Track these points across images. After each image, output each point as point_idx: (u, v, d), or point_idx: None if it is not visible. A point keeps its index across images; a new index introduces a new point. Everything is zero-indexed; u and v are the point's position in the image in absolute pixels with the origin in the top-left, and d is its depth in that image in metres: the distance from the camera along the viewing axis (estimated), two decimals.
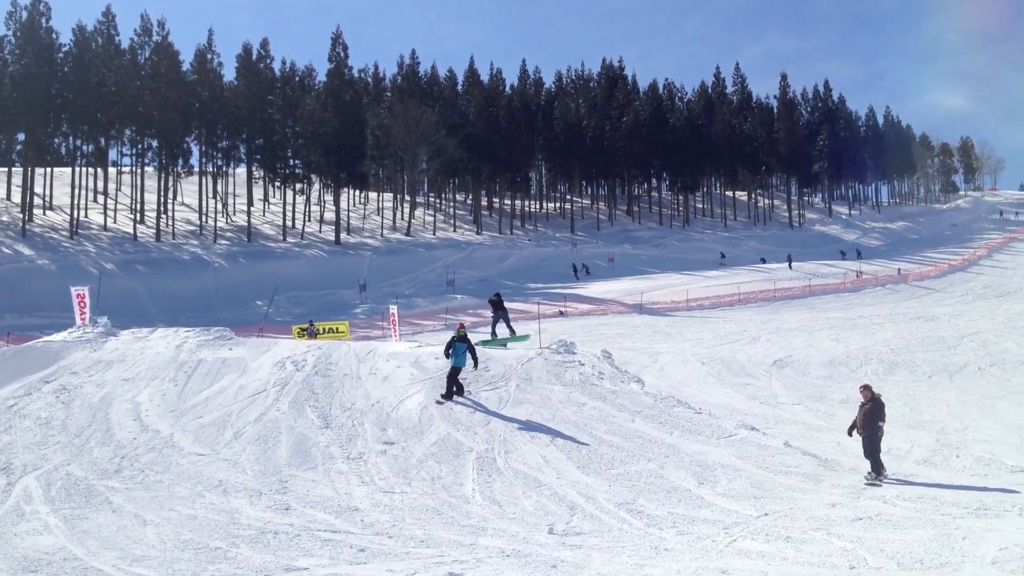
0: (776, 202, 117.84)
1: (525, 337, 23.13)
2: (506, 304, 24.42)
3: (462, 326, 18.46)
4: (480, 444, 15.22)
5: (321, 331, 34.13)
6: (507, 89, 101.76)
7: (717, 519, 11.63)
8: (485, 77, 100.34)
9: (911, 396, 25.81)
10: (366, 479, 13.47)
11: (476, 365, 18.23)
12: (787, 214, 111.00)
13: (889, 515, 11.71)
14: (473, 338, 19.72)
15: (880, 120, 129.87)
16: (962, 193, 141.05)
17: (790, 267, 71.05)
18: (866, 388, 14.81)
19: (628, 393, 19.07)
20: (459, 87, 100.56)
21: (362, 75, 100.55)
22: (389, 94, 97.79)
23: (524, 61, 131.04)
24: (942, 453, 17.03)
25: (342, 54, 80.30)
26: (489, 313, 26.21)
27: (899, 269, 67.63)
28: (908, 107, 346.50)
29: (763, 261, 77.19)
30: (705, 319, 46.64)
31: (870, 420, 14.25)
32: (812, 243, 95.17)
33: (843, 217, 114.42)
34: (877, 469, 14.05)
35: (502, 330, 24.13)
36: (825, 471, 14.91)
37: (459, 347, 17.62)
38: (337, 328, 35.48)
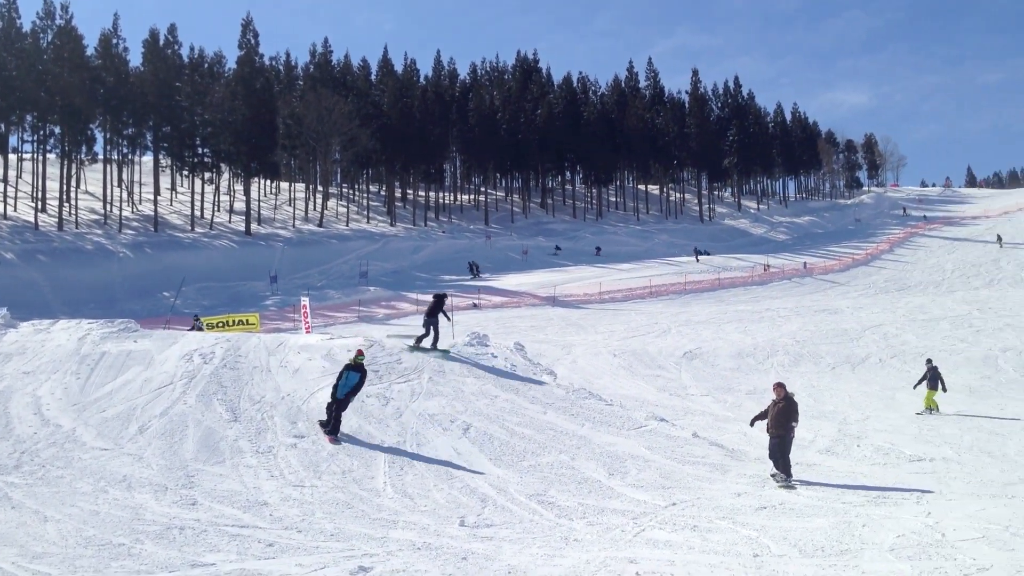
0: (687, 196, 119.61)
1: (447, 352, 20.98)
2: (420, 297, 24.29)
3: (360, 353, 16.23)
4: (392, 437, 15.15)
5: (229, 323, 33.50)
6: (422, 80, 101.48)
7: (626, 509, 11.78)
8: (399, 67, 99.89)
9: (815, 387, 26.46)
10: (275, 473, 13.30)
11: (356, 393, 15.57)
12: (698, 208, 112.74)
13: (792, 504, 12.01)
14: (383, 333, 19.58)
15: (788, 116, 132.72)
16: (866, 189, 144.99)
17: (697, 260, 72.31)
18: (780, 386, 13.93)
19: (540, 385, 19.19)
20: (373, 77, 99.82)
21: (273, 63, 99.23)
22: (301, 83, 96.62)
23: (439, 52, 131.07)
24: (844, 443, 17.48)
25: (253, 41, 79.05)
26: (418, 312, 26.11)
27: (805, 263, 69.20)
28: (812, 104, 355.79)
29: (704, 253, 77.94)
30: (617, 312, 47.13)
31: (782, 420, 13.52)
32: (722, 237, 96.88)
33: (752, 211, 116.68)
34: (787, 470, 13.44)
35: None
36: (732, 461, 15.21)
37: (350, 377, 15.30)
38: (247, 320, 34.83)
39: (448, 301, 21.91)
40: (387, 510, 11.72)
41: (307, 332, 28.74)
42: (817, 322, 39.51)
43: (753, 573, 8.59)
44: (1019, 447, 16.56)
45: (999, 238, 73.54)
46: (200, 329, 30.84)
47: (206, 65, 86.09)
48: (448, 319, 21.37)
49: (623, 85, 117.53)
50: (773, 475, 13.62)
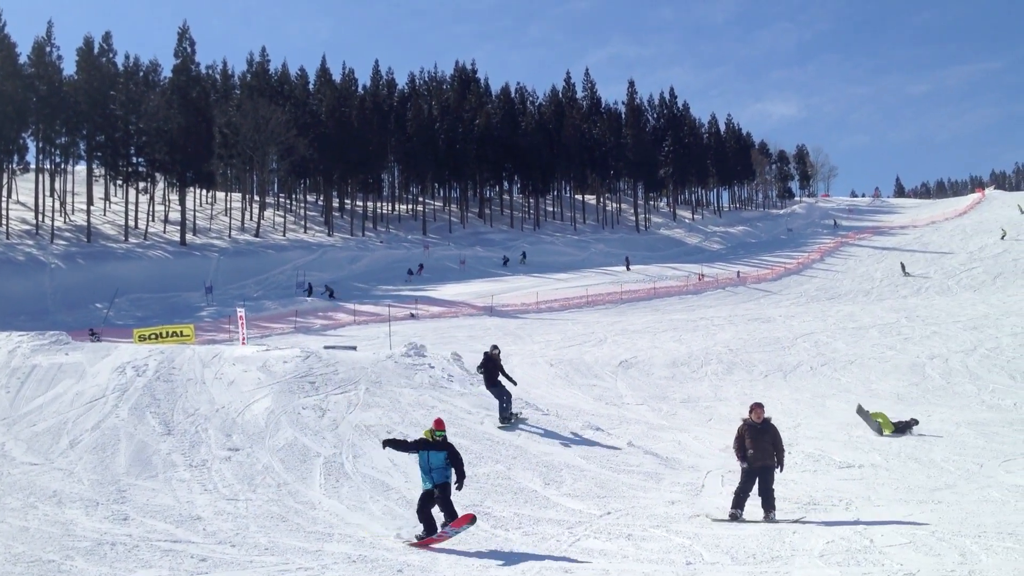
0: (624, 206, 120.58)
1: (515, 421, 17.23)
2: (357, 308, 23.44)
3: (440, 426, 11.38)
4: (328, 449, 15.10)
5: (163, 335, 33.08)
6: (360, 89, 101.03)
7: (562, 519, 11.89)
8: (338, 77, 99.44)
9: (748, 395, 26.76)
10: (209, 487, 13.18)
11: (461, 481, 11.12)
12: (634, 218, 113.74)
13: (725, 511, 12.22)
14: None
15: (722, 127, 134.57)
16: (798, 199, 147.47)
17: (628, 269, 73.01)
18: (759, 407, 12.24)
19: (477, 395, 19.25)
20: (311, 86, 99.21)
21: (210, 72, 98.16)
22: (238, 92, 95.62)
23: (377, 62, 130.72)
24: None
25: (189, 49, 78.15)
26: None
27: (738, 272, 70.17)
28: (743, 115, 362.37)
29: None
30: (554, 321, 47.36)
31: (766, 447, 11.84)
32: (658, 246, 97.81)
33: (687, 221, 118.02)
34: (772, 504, 11.75)
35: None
36: (666, 469, 15.41)
37: (435, 458, 10.95)
38: (181, 332, 34.45)
39: (495, 353, 17.96)
40: (322, 523, 11.69)
41: (243, 343, 28.48)
42: (750, 331, 40.08)
43: None
44: (945, 454, 16.99)
45: (1004, 232, 76.05)
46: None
47: (141, 73, 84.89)
48: (514, 383, 17.72)
49: (560, 95, 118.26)
50: (734, 515, 11.78)
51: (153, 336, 32.90)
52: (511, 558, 9.93)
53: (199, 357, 19.78)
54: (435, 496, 10.87)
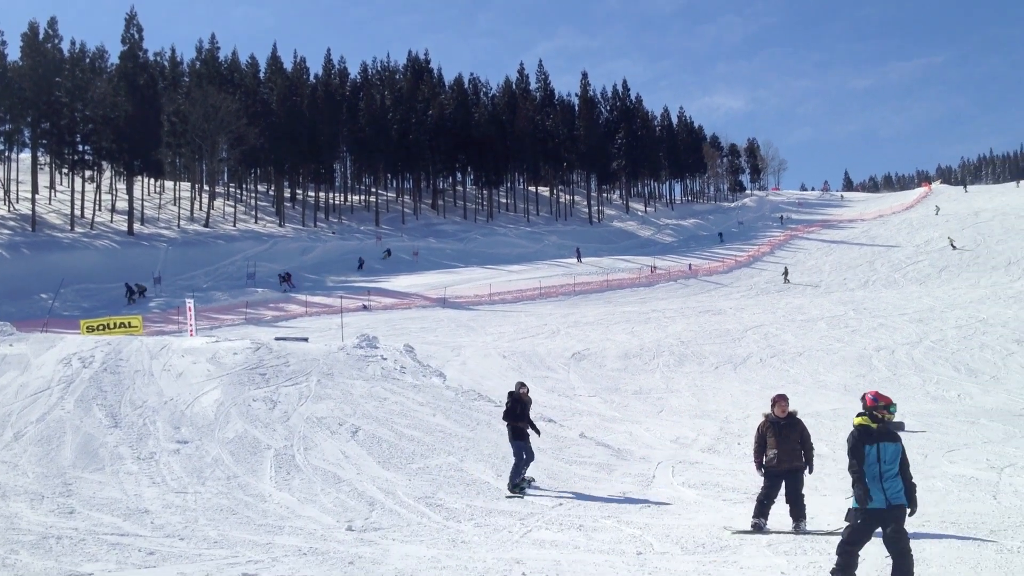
0: (577, 198, 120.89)
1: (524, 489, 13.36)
2: (309, 299, 22.96)
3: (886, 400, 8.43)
4: (279, 441, 14.99)
5: (110, 326, 32.58)
6: (311, 78, 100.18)
7: (514, 510, 11.91)
8: (289, 65, 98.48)
9: (698, 387, 27.10)
10: (157, 480, 13.03)
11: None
12: (587, 210, 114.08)
13: (675, 502, 12.32)
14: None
15: (674, 120, 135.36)
16: (748, 192, 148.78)
17: (579, 261, 73.29)
18: (783, 399, 10.71)
19: (430, 387, 19.24)
20: (262, 75, 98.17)
21: (158, 59, 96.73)
22: (187, 79, 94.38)
23: (329, 50, 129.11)
24: (725, 441, 17.97)
25: (136, 36, 77.02)
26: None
27: (690, 264, 70.64)
28: (691, 107, 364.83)
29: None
30: (507, 313, 47.42)
31: (794, 447, 10.40)
32: (610, 239, 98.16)
33: (639, 214, 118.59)
34: (802, 512, 10.38)
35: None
36: (617, 460, 15.50)
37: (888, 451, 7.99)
38: (129, 323, 33.95)
39: (524, 391, 13.97)
40: (273, 515, 11.60)
41: (192, 335, 28.15)
42: (701, 323, 40.44)
43: (636, 571, 8.78)
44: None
45: (937, 209, 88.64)
46: None
47: (88, 60, 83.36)
48: (538, 433, 13.86)
49: (514, 87, 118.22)
50: (756, 525, 10.40)
51: (100, 327, 32.38)
52: (463, 549, 9.94)
53: (147, 348, 19.55)
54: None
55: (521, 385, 14.03)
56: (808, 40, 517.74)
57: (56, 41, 76.33)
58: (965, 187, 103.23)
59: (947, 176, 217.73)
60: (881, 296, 50.38)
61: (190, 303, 31.43)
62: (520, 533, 10.67)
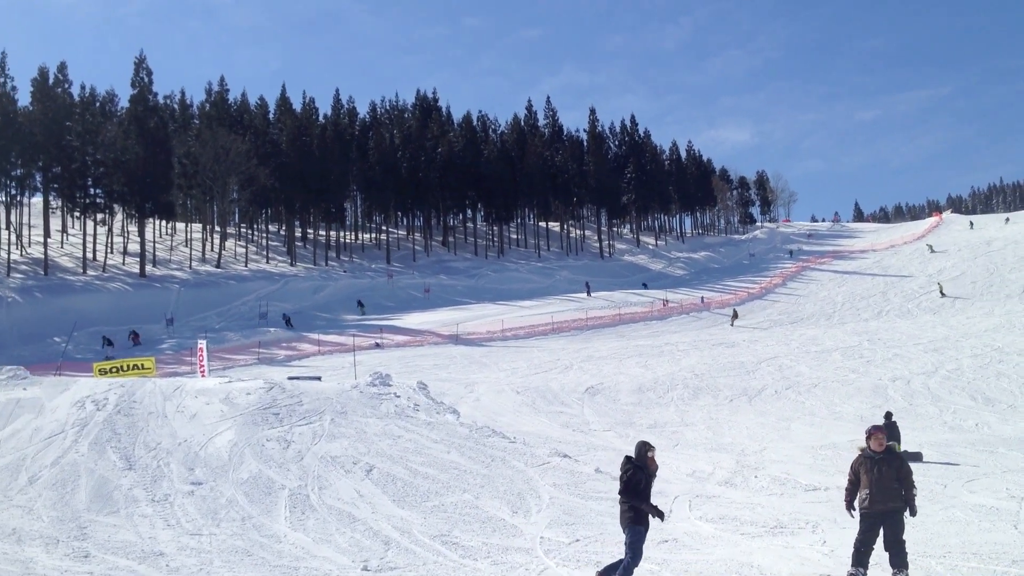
0: (587, 232, 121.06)
1: None
2: (321, 338, 22.71)
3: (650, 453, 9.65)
4: (293, 481, 14.92)
5: (125, 368, 32.62)
6: (320, 118, 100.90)
7: (530, 547, 11.81)
8: (298, 106, 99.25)
9: (714, 420, 26.94)
10: (172, 522, 12.97)
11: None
12: (598, 244, 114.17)
13: (693, 536, 12.20)
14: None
15: (683, 154, 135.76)
16: (759, 224, 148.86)
17: (588, 295, 73.30)
18: (879, 431, 9.44)
19: (444, 424, 19.15)
20: (271, 115, 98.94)
21: (168, 101, 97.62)
22: (197, 121, 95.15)
23: (337, 91, 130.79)
24: (742, 474, 17.82)
25: (146, 79, 77.55)
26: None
27: (702, 297, 70.58)
28: (697, 141, 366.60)
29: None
30: (520, 349, 47.35)
31: (890, 484, 9.06)
32: (621, 273, 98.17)
33: (650, 247, 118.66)
34: (903, 562, 8.93)
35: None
36: None
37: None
38: (142, 364, 33.99)
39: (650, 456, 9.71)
40: (288, 556, 11.52)
41: (203, 375, 28.16)
42: (715, 355, 40.29)
43: None
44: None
45: (930, 247, 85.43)
46: None
47: (98, 104, 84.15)
48: (661, 518, 9.57)
49: (522, 123, 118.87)
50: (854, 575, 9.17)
51: (113, 370, 32.42)
52: None
53: (160, 390, 19.53)
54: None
55: (646, 447, 9.65)
56: (813, 73, 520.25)
57: (66, 86, 77.14)
58: (971, 224, 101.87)
59: (957, 205, 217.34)
60: (895, 326, 50.15)
61: (202, 344, 31.44)
62: (537, 571, 10.57)
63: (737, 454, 20.55)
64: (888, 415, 21.37)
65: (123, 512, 13.34)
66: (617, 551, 11.38)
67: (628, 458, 9.68)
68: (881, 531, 8.98)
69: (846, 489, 9.54)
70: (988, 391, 30.67)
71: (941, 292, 63.12)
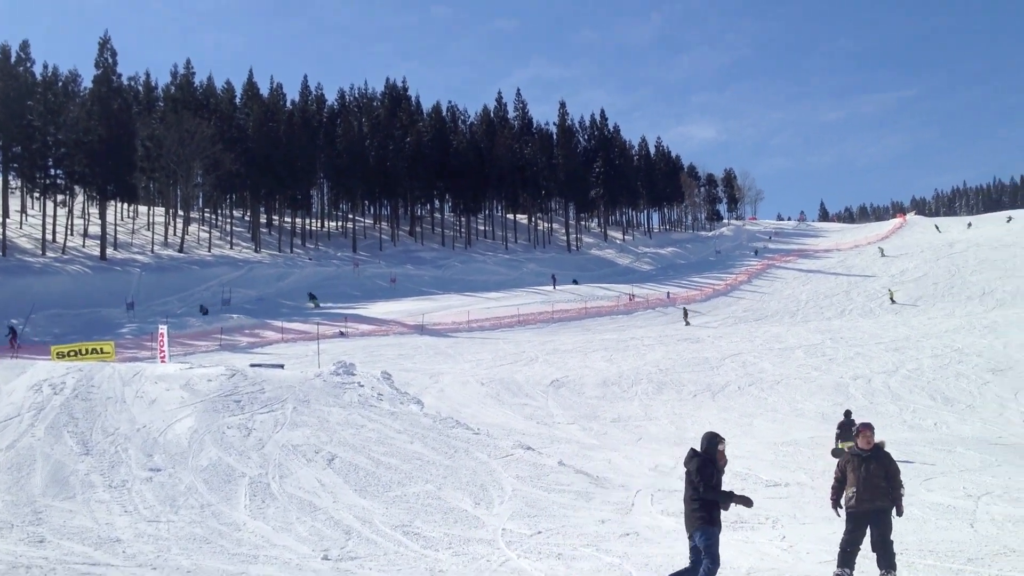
0: (555, 226, 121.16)
1: None
2: (285, 325, 22.52)
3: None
4: (253, 469, 14.77)
5: (82, 352, 32.18)
6: (288, 104, 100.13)
7: (492, 539, 11.75)
8: (265, 91, 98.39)
9: (677, 414, 27.05)
10: (129, 508, 12.78)
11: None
12: (565, 238, 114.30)
13: (654, 530, 12.20)
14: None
15: (652, 149, 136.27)
16: (726, 221, 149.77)
17: (554, 288, 73.38)
18: (868, 429, 9.24)
19: (407, 414, 19.05)
20: (238, 100, 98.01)
21: (132, 83, 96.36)
22: (162, 104, 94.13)
23: (306, 77, 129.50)
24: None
25: (110, 60, 76.46)
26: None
27: (668, 293, 70.80)
28: (665, 137, 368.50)
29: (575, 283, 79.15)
30: (485, 340, 47.28)
31: (879, 483, 8.84)
32: (588, 266, 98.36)
33: (617, 242, 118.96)
34: (891, 563, 8.69)
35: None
36: (596, 488, 15.37)
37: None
38: (101, 349, 33.52)
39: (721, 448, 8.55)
40: (247, 544, 11.39)
41: (163, 361, 27.84)
42: (680, 351, 40.46)
43: None
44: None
45: (881, 251, 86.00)
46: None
47: (61, 84, 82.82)
48: (749, 504, 8.57)
49: (492, 115, 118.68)
50: None
51: (72, 353, 31.97)
52: None
53: (119, 375, 19.28)
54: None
55: (717, 439, 8.50)
56: (781, 72, 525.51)
57: (28, 64, 75.69)
58: (937, 228, 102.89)
59: (921, 207, 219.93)
60: (858, 325, 50.62)
61: (163, 329, 31.07)
62: (498, 562, 10.52)
63: None
64: (847, 413, 21.58)
65: (79, 498, 13.14)
66: (578, 542, 11.36)
67: (694, 451, 8.55)
68: (868, 531, 8.80)
69: (832, 487, 9.32)
70: (947, 391, 31.05)
71: (891, 299, 62.27)
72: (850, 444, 9.40)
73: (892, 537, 8.72)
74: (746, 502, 8.42)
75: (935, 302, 60.27)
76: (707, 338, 45.40)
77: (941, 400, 29.74)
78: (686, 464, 8.53)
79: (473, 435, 18.28)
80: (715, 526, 8.27)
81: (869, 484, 8.75)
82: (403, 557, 10.88)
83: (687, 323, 55.68)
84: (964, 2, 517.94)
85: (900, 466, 9.10)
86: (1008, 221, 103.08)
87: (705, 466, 8.34)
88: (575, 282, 80.00)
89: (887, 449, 9.12)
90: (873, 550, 8.75)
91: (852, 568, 8.89)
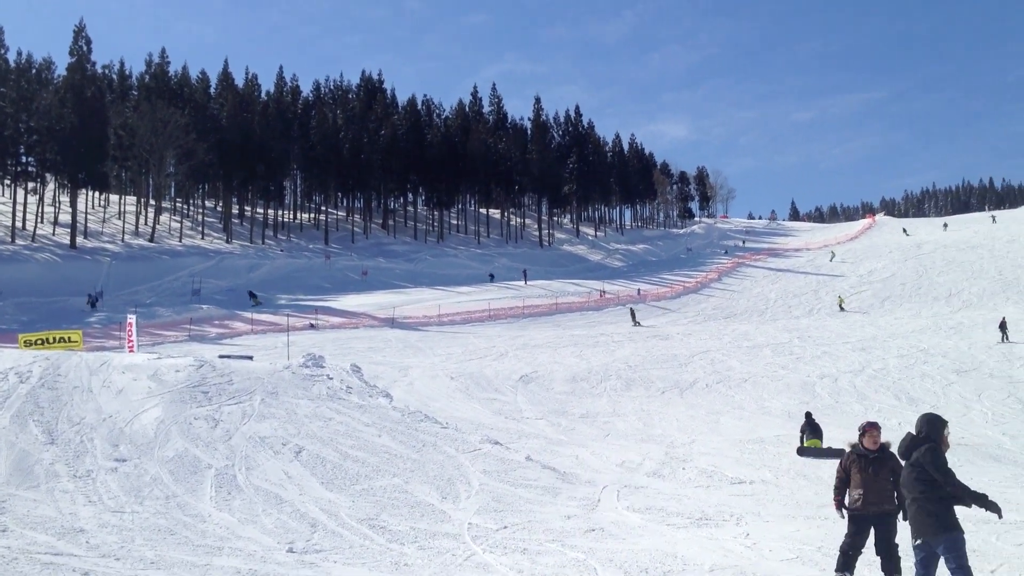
0: (528, 221, 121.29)
1: None
2: (255, 317, 22.33)
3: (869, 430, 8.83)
4: (220, 460, 14.73)
5: (49, 340, 31.94)
6: (263, 95, 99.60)
7: (458, 533, 11.80)
8: (240, 82, 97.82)
9: (645, 411, 27.17)
10: (94, 498, 12.72)
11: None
12: (538, 233, 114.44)
13: (620, 526, 12.30)
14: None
15: (625, 146, 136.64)
16: (697, 219, 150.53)
17: (525, 283, 73.50)
18: (874, 428, 8.86)
19: (376, 408, 19.04)
20: (212, 90, 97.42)
21: (106, 71, 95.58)
22: (136, 93, 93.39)
23: (281, 67, 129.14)
24: (670, 465, 18.00)
25: (85, 48, 75.92)
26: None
27: (639, 289, 71.11)
28: (637, 135, 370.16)
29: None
30: (456, 334, 47.29)
31: (885, 485, 8.47)
32: (561, 262, 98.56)
33: (589, 238, 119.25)
34: (896, 569, 8.40)
35: None
36: (563, 484, 15.44)
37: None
38: (69, 337, 33.28)
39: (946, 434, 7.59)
40: (212, 536, 11.38)
41: (131, 351, 27.68)
42: (649, 347, 40.65)
43: None
44: (832, 471, 17.40)
45: (832, 254, 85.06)
46: None
47: (34, 71, 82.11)
48: (999, 512, 7.07)
49: (467, 109, 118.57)
50: None
51: (39, 342, 31.73)
52: (405, 572, 9.82)
53: (87, 364, 19.15)
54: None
55: (943, 422, 7.58)
56: (751, 72, 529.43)
57: (2, 51, 75.07)
58: (905, 231, 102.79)
59: (891, 208, 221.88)
60: (825, 324, 51.05)
61: (131, 319, 30.87)
62: (463, 556, 10.57)
63: (666, 446, 20.75)
64: (808, 415, 21.78)
65: (44, 487, 13.06)
66: (543, 537, 11.43)
67: (914, 436, 7.47)
68: (872, 534, 8.48)
69: (835, 488, 8.87)
70: (912, 391, 31.40)
71: (840, 306, 60.25)
72: (855, 443, 8.84)
73: (897, 540, 8.35)
74: (996, 509, 7.01)
75: (902, 302, 60.85)
76: (676, 335, 45.65)
77: (906, 400, 30.07)
78: (901, 450, 7.59)
79: (441, 429, 18.31)
80: (961, 530, 7.11)
81: (876, 486, 8.40)
82: (368, 550, 10.91)
83: (635, 323, 53.32)
84: (931, 7, 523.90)
85: None
86: (993, 221, 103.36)
87: (940, 456, 7.26)
88: (492, 277, 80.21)
89: (847, 449, 9.16)
90: (877, 554, 8.46)
91: (852, 572, 8.65)
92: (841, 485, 8.73)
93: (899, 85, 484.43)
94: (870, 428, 8.71)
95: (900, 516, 8.20)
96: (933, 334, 44.14)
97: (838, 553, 8.73)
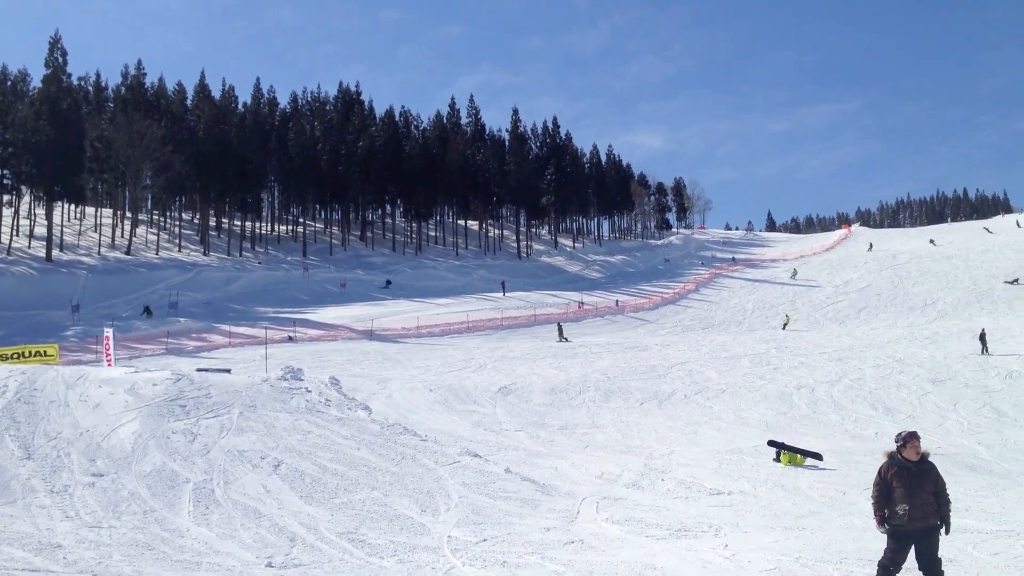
0: (506, 232, 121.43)
1: None
2: (232, 330, 22.34)
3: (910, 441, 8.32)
4: (198, 475, 14.66)
5: (25, 354, 31.70)
6: (240, 107, 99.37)
7: (437, 546, 11.80)
8: (217, 93, 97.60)
9: (624, 422, 27.22)
10: (71, 513, 12.64)
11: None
12: (516, 245, 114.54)
13: (599, 538, 12.33)
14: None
15: (603, 158, 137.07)
16: (675, 230, 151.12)
17: (504, 294, 73.56)
18: (915, 437, 8.35)
19: (355, 420, 19.00)
20: (189, 102, 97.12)
21: (82, 83, 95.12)
22: (112, 105, 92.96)
23: (258, 79, 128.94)
24: (649, 477, 18.05)
25: (60, 59, 75.53)
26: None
27: (617, 301, 71.24)
28: (614, 146, 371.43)
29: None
30: (435, 346, 47.25)
31: (927, 499, 8.08)
32: (539, 273, 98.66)
33: (568, 249, 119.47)
34: None
35: None
36: (542, 496, 15.47)
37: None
38: (45, 351, 33.05)
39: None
40: (190, 551, 11.33)
41: (109, 365, 27.51)
42: (627, 358, 40.74)
43: None
44: (810, 481, 17.53)
45: (795, 271, 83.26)
46: None
47: (9, 83, 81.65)
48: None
49: (444, 120, 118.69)
50: None
51: (15, 356, 31.49)
52: None
53: (63, 378, 19.02)
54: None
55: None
56: (726, 83, 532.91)
57: None
58: (870, 246, 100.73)
59: (866, 219, 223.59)
60: (802, 335, 51.32)
61: (108, 332, 30.70)
62: (443, 570, 10.58)
63: (645, 457, 20.80)
64: (770, 442, 21.85)
65: (20, 502, 12.96)
66: (523, 549, 11.44)
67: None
68: (913, 549, 8.14)
69: (875, 501, 8.38)
70: (888, 401, 31.59)
71: (784, 326, 57.93)
72: (892, 453, 8.42)
73: (940, 555, 8.09)
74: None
75: (877, 313, 61.29)
76: (654, 346, 45.77)
77: (882, 410, 30.25)
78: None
79: (420, 442, 18.29)
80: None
81: (921, 501, 8.00)
82: (348, 564, 10.90)
83: (562, 339, 50.54)
84: (904, 19, 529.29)
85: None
86: (987, 232, 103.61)
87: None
88: (388, 283, 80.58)
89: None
90: (921, 569, 8.10)
91: None
92: (881, 499, 8.26)
93: (873, 96, 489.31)
94: (911, 439, 8.24)
95: (943, 530, 8.09)
96: (909, 344, 44.47)
97: (877, 568, 8.38)
